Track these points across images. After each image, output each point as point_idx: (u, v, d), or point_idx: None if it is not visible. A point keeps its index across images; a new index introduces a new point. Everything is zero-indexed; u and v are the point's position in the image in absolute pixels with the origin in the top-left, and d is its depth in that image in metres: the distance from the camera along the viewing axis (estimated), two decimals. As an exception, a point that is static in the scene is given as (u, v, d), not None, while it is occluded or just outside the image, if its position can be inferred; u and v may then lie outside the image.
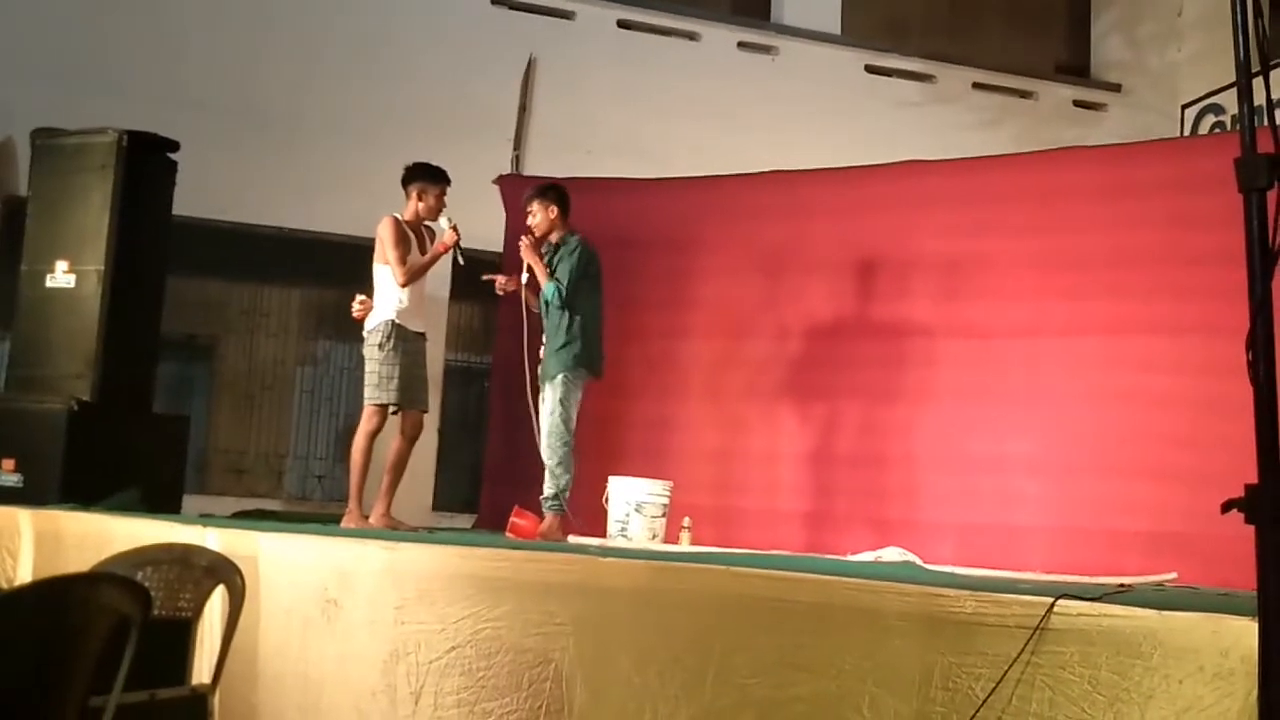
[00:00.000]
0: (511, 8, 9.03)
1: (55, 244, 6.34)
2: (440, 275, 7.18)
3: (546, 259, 6.22)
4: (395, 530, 5.76)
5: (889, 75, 9.84)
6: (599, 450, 6.62)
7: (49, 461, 5.95)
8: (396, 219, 6.10)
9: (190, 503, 6.79)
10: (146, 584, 3.53)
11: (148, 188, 6.47)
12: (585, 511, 6.26)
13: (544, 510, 6.10)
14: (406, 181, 6.20)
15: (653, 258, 7.17)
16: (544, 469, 6.17)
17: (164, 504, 6.02)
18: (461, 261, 6.18)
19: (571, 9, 9.14)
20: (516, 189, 7.49)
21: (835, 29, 9.81)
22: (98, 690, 2.61)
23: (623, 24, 9.26)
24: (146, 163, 6.47)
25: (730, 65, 9.42)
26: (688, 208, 7.25)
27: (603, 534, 6.14)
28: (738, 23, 9.67)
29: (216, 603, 4.04)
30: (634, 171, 7.51)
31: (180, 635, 3.85)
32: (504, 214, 7.50)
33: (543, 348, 6.22)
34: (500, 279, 6.34)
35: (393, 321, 6.01)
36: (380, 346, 5.99)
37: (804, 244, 6.84)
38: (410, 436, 6.18)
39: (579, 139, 8.57)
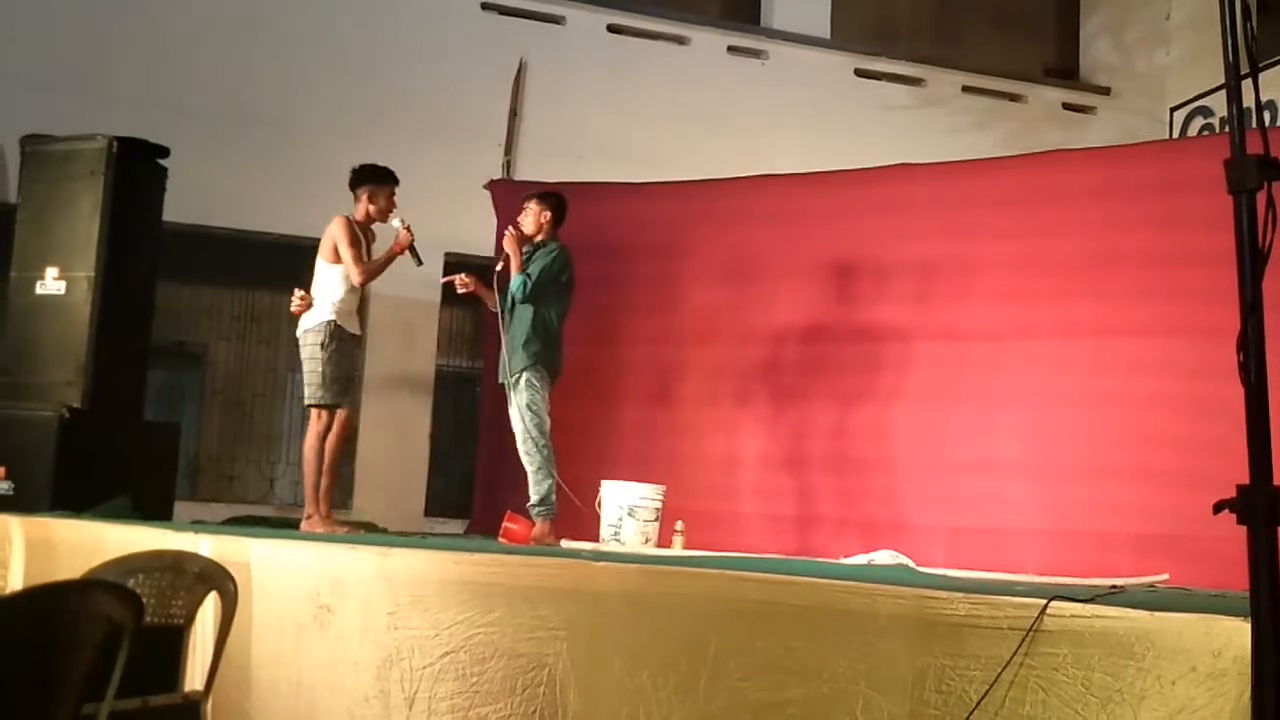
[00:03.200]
0: (502, 12, 9.03)
1: (45, 251, 6.33)
2: (431, 281, 7.19)
3: (525, 258, 6.22)
4: (337, 533, 5.77)
5: (878, 79, 9.85)
6: (592, 455, 6.62)
7: (40, 469, 5.93)
8: (349, 219, 6.13)
9: (181, 510, 6.77)
10: (138, 591, 3.52)
11: (137, 194, 6.46)
12: (578, 516, 6.25)
13: (533, 518, 6.08)
14: (355, 184, 6.22)
15: (643, 262, 7.17)
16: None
17: (155, 511, 6.00)
18: (420, 263, 6.21)
19: (562, 14, 9.14)
20: (507, 194, 7.51)
21: (825, 33, 9.83)
22: (90, 698, 2.61)
23: (613, 28, 9.26)
24: (136, 169, 6.46)
25: (720, 69, 9.43)
26: (678, 212, 7.25)
27: (595, 538, 6.13)
28: (727, 27, 9.68)
29: (209, 609, 4.04)
30: (624, 176, 7.52)
31: (173, 642, 3.85)
32: (494, 218, 7.50)
33: (503, 347, 6.22)
34: (459, 278, 6.34)
35: (333, 322, 6.03)
36: (322, 346, 6.01)
37: (794, 248, 6.84)
38: (345, 436, 6.22)
39: (569, 143, 8.57)
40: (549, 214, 6.29)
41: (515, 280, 6.12)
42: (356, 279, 6.04)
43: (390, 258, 6.19)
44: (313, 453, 6.04)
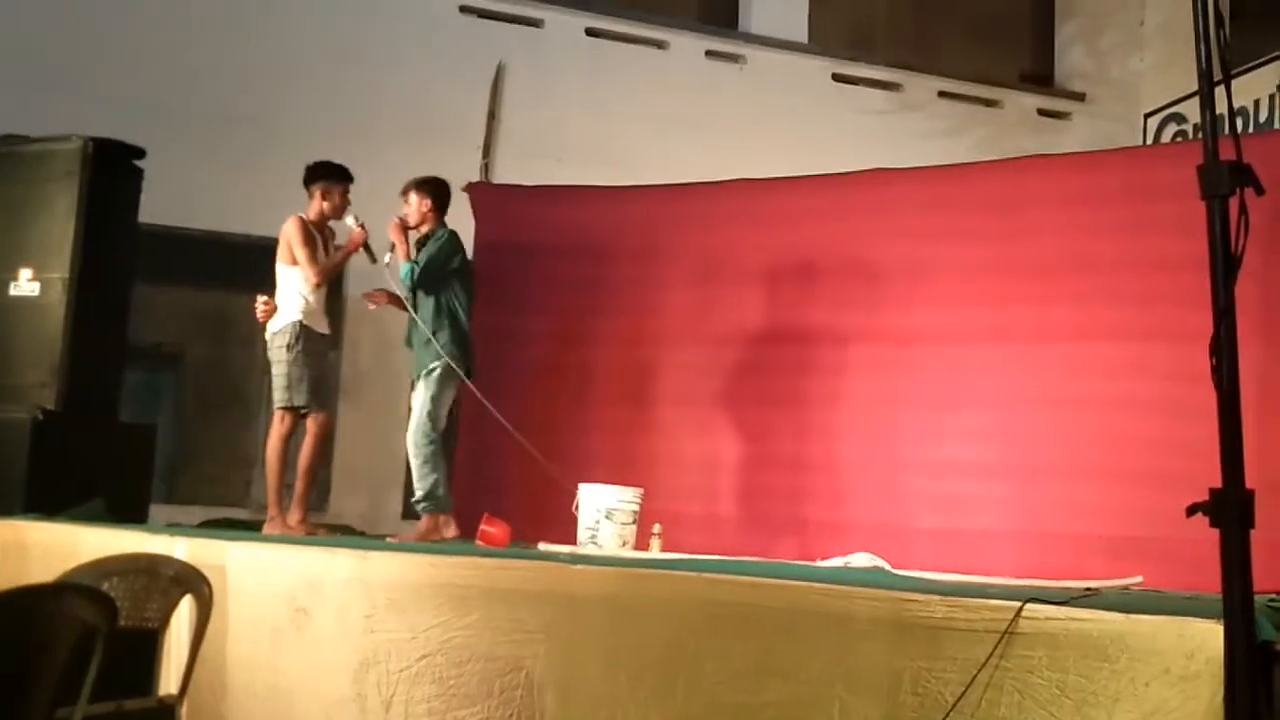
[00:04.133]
0: (480, 15, 9.03)
1: (19, 252, 6.27)
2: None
3: (417, 248, 6.25)
4: (313, 536, 5.77)
5: (855, 84, 9.89)
6: (570, 457, 6.61)
7: (13, 471, 5.87)
8: (302, 219, 6.12)
9: (157, 512, 6.73)
10: (112, 594, 3.49)
11: (113, 195, 6.40)
12: (556, 519, 6.24)
13: (419, 512, 6.12)
14: (309, 181, 6.20)
15: (621, 265, 7.17)
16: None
17: (130, 514, 5.95)
18: (374, 260, 6.22)
19: (540, 17, 9.15)
20: (486, 197, 7.52)
21: (803, 38, 9.87)
22: (64, 701, 2.59)
23: (591, 32, 9.27)
24: (112, 170, 6.41)
25: (698, 73, 9.46)
26: (656, 215, 7.25)
27: (573, 541, 6.13)
28: (706, 31, 9.71)
29: (184, 612, 4.02)
30: (603, 179, 7.52)
31: (147, 645, 3.83)
32: (473, 221, 7.49)
33: (411, 340, 6.25)
34: (373, 295, 6.37)
35: (299, 323, 6.02)
36: (289, 348, 5.99)
37: (772, 251, 6.86)
38: (321, 438, 6.20)
39: (548, 147, 8.57)
40: (429, 201, 6.30)
41: (403, 268, 6.14)
42: (313, 279, 6.00)
43: (345, 255, 6.20)
44: (276, 456, 6.02)
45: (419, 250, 6.23)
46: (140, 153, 6.58)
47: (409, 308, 6.20)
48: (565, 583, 3.87)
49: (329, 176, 6.17)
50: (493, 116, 8.81)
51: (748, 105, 9.30)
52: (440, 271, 6.17)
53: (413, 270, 6.09)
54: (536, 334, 7.18)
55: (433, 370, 6.11)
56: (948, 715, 2.89)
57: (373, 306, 6.44)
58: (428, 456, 6.06)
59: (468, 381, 6.20)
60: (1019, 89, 10.46)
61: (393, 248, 6.21)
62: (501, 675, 3.81)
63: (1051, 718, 2.76)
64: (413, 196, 6.30)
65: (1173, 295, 5.34)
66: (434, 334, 6.09)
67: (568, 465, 6.51)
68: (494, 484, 6.46)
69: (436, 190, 6.35)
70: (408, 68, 8.60)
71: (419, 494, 6.08)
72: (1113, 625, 2.73)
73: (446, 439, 6.44)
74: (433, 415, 6.08)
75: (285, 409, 6.00)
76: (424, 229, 6.31)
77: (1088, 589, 3.58)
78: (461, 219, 7.45)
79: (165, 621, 3.94)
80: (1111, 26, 10.52)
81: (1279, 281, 5.02)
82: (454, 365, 6.07)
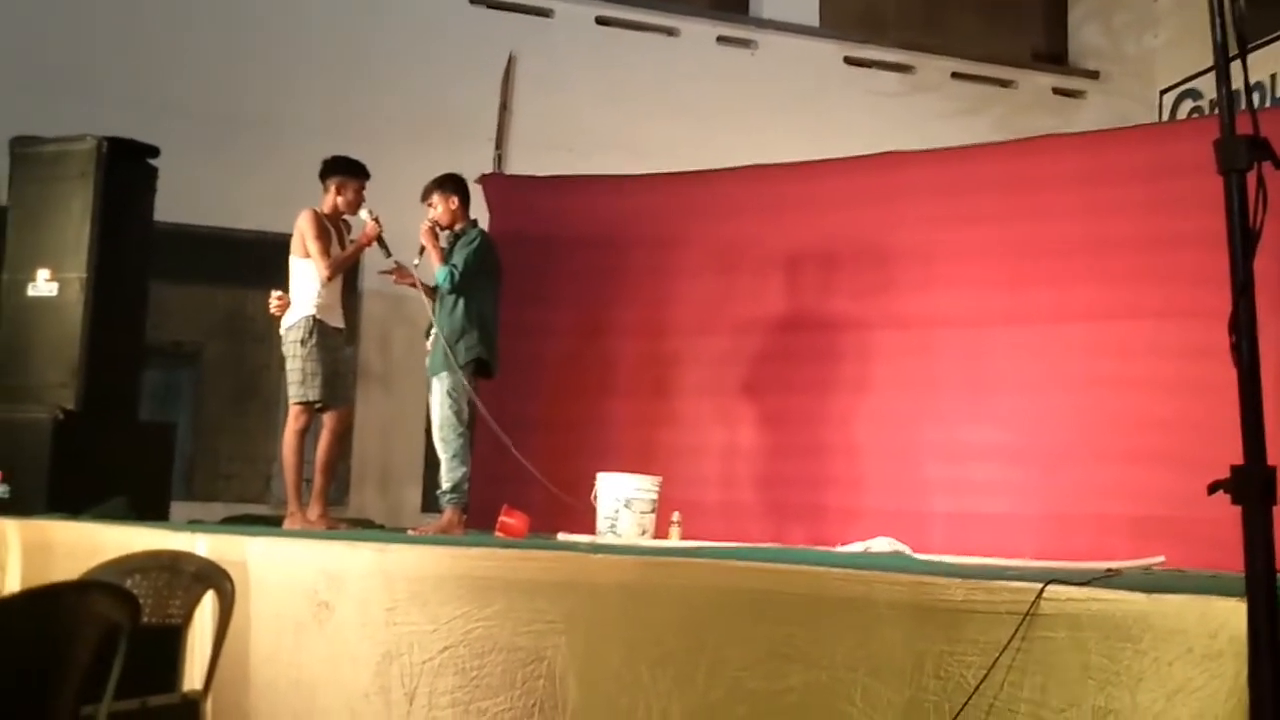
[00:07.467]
0: (490, 6, 9.01)
1: (36, 252, 6.30)
2: (424, 274, 7.17)
3: (448, 248, 6.22)
4: (333, 530, 5.78)
5: (868, 66, 9.84)
6: (588, 447, 6.63)
7: (35, 471, 5.91)
8: (316, 212, 6.08)
9: (178, 509, 6.77)
10: (136, 591, 3.53)
11: (128, 194, 6.44)
12: (575, 508, 6.25)
13: (442, 504, 6.10)
14: (324, 175, 6.18)
15: (635, 254, 7.17)
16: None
17: (151, 511, 5.99)
18: (389, 255, 6.19)
19: (550, 7, 9.13)
20: (499, 188, 7.51)
21: (813, 21, 9.82)
22: (89, 698, 2.61)
23: (601, 20, 9.25)
24: (127, 169, 6.43)
25: (710, 60, 9.42)
26: (669, 203, 7.25)
27: (592, 531, 6.14)
28: (716, 17, 9.67)
29: (207, 609, 4.04)
30: (616, 168, 7.51)
31: (171, 642, 3.86)
32: (488, 214, 7.49)
33: (430, 339, 6.21)
34: (396, 273, 6.28)
35: (313, 317, 5.98)
36: (302, 343, 5.96)
37: (786, 237, 6.85)
38: (340, 433, 6.18)
39: (560, 137, 8.56)
40: (456, 199, 6.26)
41: (440, 272, 6.09)
42: (324, 272, 5.98)
43: (358, 249, 6.17)
44: (292, 452, 6.01)
45: (450, 250, 6.21)
46: (154, 151, 6.60)
47: (430, 310, 6.18)
48: (585, 572, 3.88)
49: (344, 171, 6.16)
50: (504, 108, 8.81)
51: (760, 90, 9.27)
52: (476, 273, 6.15)
53: (451, 274, 6.05)
54: (552, 325, 7.19)
55: (442, 371, 6.08)
56: (971, 698, 2.88)
57: (400, 282, 6.34)
58: (457, 450, 6.06)
59: (474, 394, 6.16)
60: (1032, 68, 10.39)
61: (421, 250, 6.17)
62: (524, 665, 3.82)
63: (1075, 698, 2.75)
64: (436, 197, 6.25)
65: (1191, 273, 5.32)
66: (462, 334, 6.05)
67: (587, 455, 6.51)
68: (513, 475, 6.45)
69: (459, 186, 6.32)
70: (418, 60, 8.60)
71: (446, 486, 6.07)
72: (1135, 605, 2.72)
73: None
74: (455, 410, 6.06)
75: (300, 404, 6.00)
76: (456, 227, 6.28)
77: (1109, 569, 3.56)
78: (476, 211, 7.47)
79: (188, 618, 3.97)
80: (1125, 3, 10.44)
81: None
82: (466, 380, 6.06)
